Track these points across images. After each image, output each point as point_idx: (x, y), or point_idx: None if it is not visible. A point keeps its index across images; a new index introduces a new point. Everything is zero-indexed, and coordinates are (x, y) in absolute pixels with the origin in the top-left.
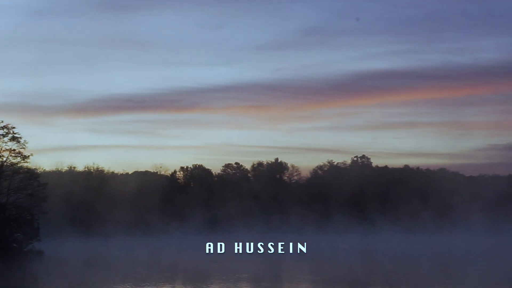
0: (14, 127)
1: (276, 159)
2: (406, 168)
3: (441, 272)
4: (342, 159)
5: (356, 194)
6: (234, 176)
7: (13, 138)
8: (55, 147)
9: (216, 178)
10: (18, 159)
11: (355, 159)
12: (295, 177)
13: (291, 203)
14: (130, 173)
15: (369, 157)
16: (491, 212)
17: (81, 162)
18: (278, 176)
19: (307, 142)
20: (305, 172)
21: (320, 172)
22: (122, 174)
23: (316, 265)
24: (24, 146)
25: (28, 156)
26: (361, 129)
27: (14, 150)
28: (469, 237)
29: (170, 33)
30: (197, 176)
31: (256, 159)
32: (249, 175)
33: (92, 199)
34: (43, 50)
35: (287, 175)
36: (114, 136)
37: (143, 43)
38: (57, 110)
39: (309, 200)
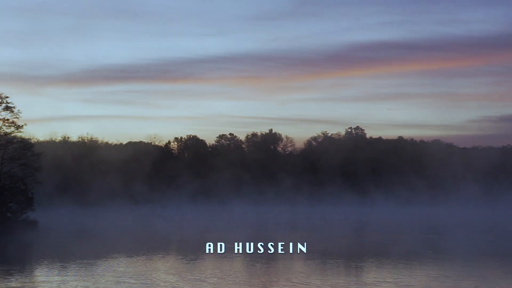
0: (7, 97)
1: (270, 130)
2: (400, 140)
3: (428, 243)
4: (336, 130)
5: (350, 165)
6: (228, 147)
7: (7, 108)
8: (48, 117)
9: (210, 149)
10: (12, 128)
11: (349, 130)
12: (289, 148)
13: (285, 174)
14: (124, 143)
15: (363, 128)
16: (485, 184)
17: (74, 132)
18: (272, 147)
19: (301, 113)
20: (299, 143)
21: (314, 143)
22: (116, 145)
23: (305, 236)
24: (17, 116)
25: (22, 126)
26: (355, 100)
27: (7, 119)
28: (463, 208)
29: (163, 3)
30: (191, 146)
31: (250, 130)
32: (243, 146)
33: (86, 169)
34: (34, 19)
35: (281, 146)
36: (108, 106)
37: (136, 13)
38: (49, 80)
39: (303, 171)
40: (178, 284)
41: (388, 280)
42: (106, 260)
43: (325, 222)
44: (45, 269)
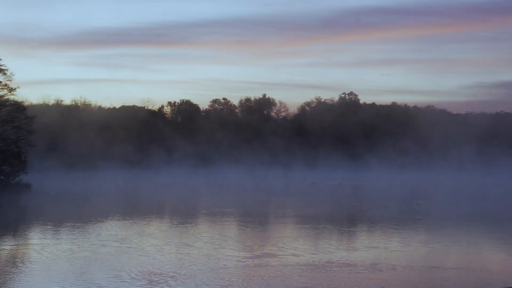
0: (0, 59)
1: (264, 95)
2: (394, 105)
3: (420, 209)
4: (330, 95)
5: (343, 131)
6: (221, 111)
7: None
8: (41, 80)
9: (203, 114)
10: (5, 91)
11: (342, 95)
12: (283, 113)
13: (278, 139)
14: (117, 107)
15: (356, 93)
16: (478, 150)
17: (67, 95)
18: (265, 112)
19: (294, 78)
20: (293, 108)
21: (307, 108)
22: (109, 108)
23: (296, 200)
24: (10, 79)
25: (15, 88)
26: (348, 65)
27: (0, 82)
28: (456, 174)
29: None
30: (184, 111)
31: (243, 94)
32: (236, 110)
33: (79, 132)
34: None
35: (275, 111)
36: (101, 70)
37: None
38: (42, 42)
39: (296, 136)
40: (163, 248)
41: (376, 245)
42: (93, 224)
43: (317, 187)
44: (35, 232)
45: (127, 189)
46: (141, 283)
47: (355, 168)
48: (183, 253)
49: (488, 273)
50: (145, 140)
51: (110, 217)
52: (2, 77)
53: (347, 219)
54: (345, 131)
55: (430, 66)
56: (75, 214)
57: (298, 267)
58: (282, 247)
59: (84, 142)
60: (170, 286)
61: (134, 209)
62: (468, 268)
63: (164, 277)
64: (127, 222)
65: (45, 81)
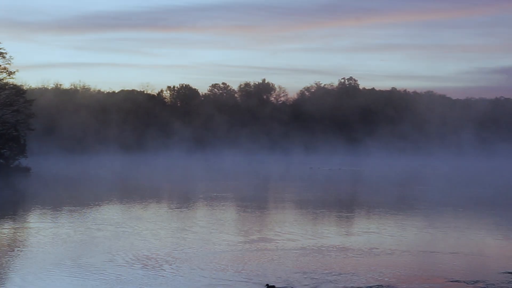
0: None
1: (263, 80)
2: (393, 91)
3: (419, 194)
4: (330, 80)
5: (343, 116)
6: (221, 96)
7: None
8: (40, 64)
9: (202, 98)
10: (4, 74)
11: (342, 80)
12: (282, 98)
13: (278, 124)
14: (116, 91)
15: (356, 79)
16: (477, 135)
17: (67, 79)
18: (264, 96)
19: (294, 63)
20: (292, 93)
21: (307, 93)
22: (108, 93)
23: (294, 185)
24: (9, 62)
25: (14, 72)
26: (348, 50)
27: None
28: (455, 159)
29: None
30: (184, 95)
31: (242, 79)
32: (236, 95)
33: (78, 116)
34: None
35: (274, 96)
36: (100, 54)
37: None
38: (41, 26)
39: (295, 121)
40: (159, 232)
41: (372, 230)
42: (90, 207)
43: (316, 172)
44: (32, 215)
45: (125, 173)
46: (136, 267)
47: (355, 153)
48: (178, 238)
49: (486, 258)
50: (144, 124)
51: (107, 201)
52: (1, 60)
53: (345, 204)
54: (345, 116)
55: (429, 51)
56: (73, 197)
57: (294, 251)
58: (279, 232)
59: (83, 126)
60: (165, 270)
61: (131, 193)
62: (466, 253)
63: (159, 262)
64: (124, 206)
65: (44, 64)
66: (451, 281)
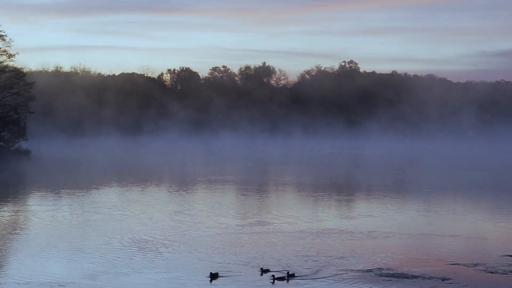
0: None
1: (264, 63)
2: (394, 74)
3: (419, 178)
4: (330, 64)
5: (344, 99)
6: (221, 79)
7: None
8: (40, 47)
9: (203, 81)
10: (4, 57)
11: (342, 64)
12: (282, 81)
13: (278, 107)
14: (116, 74)
15: (356, 62)
16: (478, 118)
17: (67, 62)
18: (265, 80)
19: (294, 46)
20: (293, 77)
21: (307, 76)
22: (108, 76)
23: (295, 169)
24: (9, 45)
25: (14, 54)
26: (348, 33)
27: None
28: (456, 142)
29: None
30: (184, 78)
31: (243, 62)
32: (236, 78)
33: (78, 99)
34: None
35: (274, 79)
36: (100, 36)
37: None
38: (41, 9)
39: (296, 104)
40: (154, 215)
41: (372, 214)
42: (89, 190)
43: (317, 155)
44: (31, 198)
45: (124, 156)
46: (132, 250)
47: (355, 136)
48: (176, 221)
49: (486, 241)
50: (144, 107)
51: (105, 184)
52: (1, 43)
53: (344, 187)
54: (345, 99)
55: (430, 34)
56: (72, 180)
57: (292, 234)
58: (277, 215)
59: (82, 109)
60: (162, 253)
61: (129, 176)
62: (466, 236)
63: (156, 245)
64: (122, 189)
65: (44, 47)
66: (451, 264)
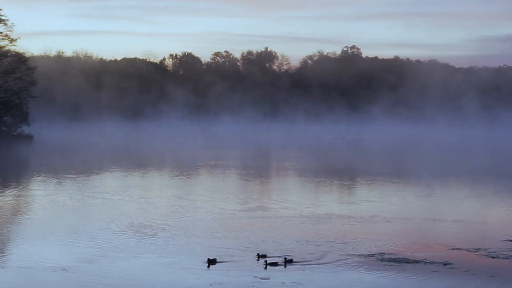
0: (0, 9)
1: (266, 48)
2: (396, 59)
3: (421, 163)
4: (332, 49)
5: (346, 84)
6: (223, 64)
7: (0, 21)
8: (42, 31)
9: (205, 66)
10: (6, 42)
11: (345, 49)
12: (285, 67)
13: (280, 93)
14: (118, 59)
15: (359, 47)
16: (481, 104)
17: (69, 47)
18: (267, 65)
19: (297, 31)
20: (295, 62)
21: (309, 62)
22: (110, 61)
23: (297, 154)
24: (11, 29)
25: (16, 39)
26: (351, 19)
27: (1, 33)
28: (459, 128)
29: None
30: (186, 64)
31: (245, 47)
32: (238, 63)
33: (80, 84)
34: None
35: (277, 65)
36: (103, 21)
37: None
38: None
39: (298, 89)
40: (154, 200)
41: (372, 199)
42: (89, 175)
43: (319, 141)
44: (31, 183)
45: (125, 141)
46: (130, 234)
47: (357, 121)
48: (175, 206)
49: (488, 226)
50: (146, 92)
51: (106, 169)
52: (3, 27)
53: (346, 172)
54: (347, 84)
55: (432, 19)
56: (73, 165)
57: (293, 219)
58: (277, 200)
59: (84, 94)
60: (160, 238)
61: (129, 161)
62: (468, 221)
63: (154, 229)
64: (122, 173)
65: (46, 32)
66: (453, 249)
